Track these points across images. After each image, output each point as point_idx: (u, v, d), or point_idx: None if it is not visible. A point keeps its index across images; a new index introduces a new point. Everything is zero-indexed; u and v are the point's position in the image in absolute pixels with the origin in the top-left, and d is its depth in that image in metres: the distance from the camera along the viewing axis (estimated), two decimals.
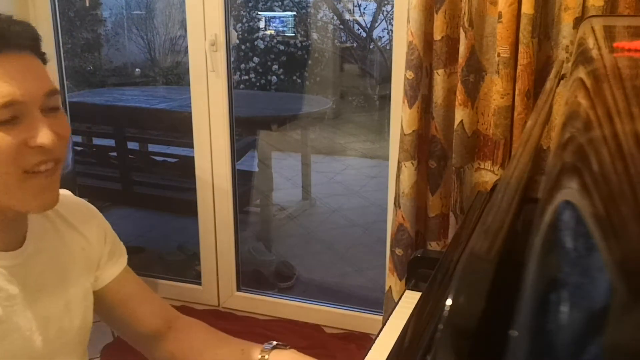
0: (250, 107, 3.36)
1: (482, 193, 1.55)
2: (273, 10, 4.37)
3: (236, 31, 4.12)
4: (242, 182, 2.91)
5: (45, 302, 0.87)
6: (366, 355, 1.00)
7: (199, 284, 2.46)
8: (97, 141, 3.72)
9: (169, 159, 3.53)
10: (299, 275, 2.74)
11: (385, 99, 3.69)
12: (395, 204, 1.82)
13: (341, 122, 4.44)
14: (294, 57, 4.34)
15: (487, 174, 1.72)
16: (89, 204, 1.01)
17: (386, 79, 2.22)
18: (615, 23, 1.22)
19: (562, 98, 1.39)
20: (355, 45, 4.63)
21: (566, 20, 1.55)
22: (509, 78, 1.61)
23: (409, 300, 1.14)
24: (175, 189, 3.25)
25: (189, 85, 2.25)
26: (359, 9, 4.50)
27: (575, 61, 0.83)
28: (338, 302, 2.36)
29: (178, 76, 4.12)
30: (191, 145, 2.32)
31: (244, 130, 3.20)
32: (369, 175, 4.12)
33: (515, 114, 1.63)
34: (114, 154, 3.57)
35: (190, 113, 2.27)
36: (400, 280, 1.85)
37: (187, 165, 2.46)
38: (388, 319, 1.12)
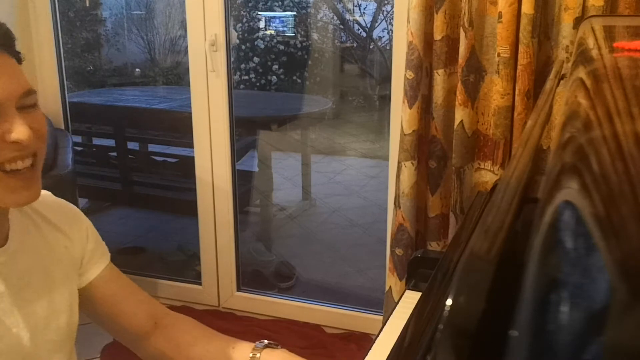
0: (250, 107, 3.36)
1: (482, 193, 1.55)
2: (273, 10, 4.37)
3: (236, 31, 4.12)
4: (242, 182, 2.91)
5: (30, 300, 0.87)
6: (366, 355, 1.00)
7: (199, 284, 2.46)
8: (97, 141, 3.72)
9: (169, 159, 3.53)
10: (299, 275, 2.74)
11: (385, 99, 3.69)
12: (395, 204, 1.82)
13: (341, 122, 4.44)
14: (294, 57, 4.34)
15: (487, 174, 1.72)
16: (70, 204, 1.01)
17: (386, 79, 2.22)
18: (615, 23, 1.22)
19: (562, 98, 1.38)
20: (355, 45, 4.63)
21: (566, 20, 1.55)
22: (509, 78, 1.61)
23: (409, 300, 1.14)
24: (175, 189, 3.26)
25: (189, 85, 2.25)
26: (359, 9, 4.51)
27: (575, 61, 0.83)
28: (338, 302, 2.36)
29: (178, 76, 4.12)
30: (191, 145, 2.32)
31: (244, 130, 3.20)
32: (369, 175, 4.12)
33: (515, 114, 1.63)
34: (114, 154, 3.58)
35: (190, 113, 2.27)
36: (400, 280, 1.85)
37: (187, 165, 2.46)
38: (388, 319, 1.12)
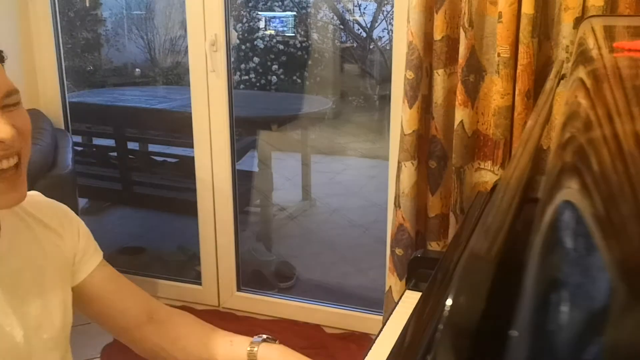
0: (250, 107, 3.36)
1: (482, 193, 1.55)
2: (273, 10, 4.36)
3: (236, 31, 4.12)
4: (242, 182, 2.91)
5: (23, 299, 0.88)
6: (366, 355, 1.00)
7: (199, 284, 2.46)
8: (97, 141, 3.72)
9: (169, 159, 3.53)
10: (299, 275, 2.74)
11: (385, 99, 3.68)
12: (395, 204, 1.82)
13: (341, 122, 4.44)
14: (294, 57, 4.34)
15: (487, 174, 1.72)
16: (60, 203, 1.02)
17: (386, 79, 2.22)
18: (615, 23, 1.22)
19: (562, 98, 1.39)
20: (355, 45, 4.63)
21: (566, 20, 1.55)
22: (509, 78, 1.61)
23: (409, 300, 1.14)
24: (175, 189, 3.25)
25: (189, 85, 2.25)
26: (359, 9, 4.50)
27: (575, 61, 0.83)
28: (338, 302, 2.36)
29: (178, 76, 4.12)
30: (191, 145, 2.32)
31: (244, 130, 3.20)
32: (369, 175, 4.12)
33: (515, 114, 1.63)
34: (114, 154, 3.57)
35: (190, 113, 2.27)
36: (400, 280, 1.85)
37: (187, 165, 2.46)
38: (388, 319, 1.12)
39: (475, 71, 1.67)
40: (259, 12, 4.38)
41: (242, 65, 4.18)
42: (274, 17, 4.34)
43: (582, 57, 0.83)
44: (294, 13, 4.41)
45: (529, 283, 0.33)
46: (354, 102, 4.45)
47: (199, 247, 2.42)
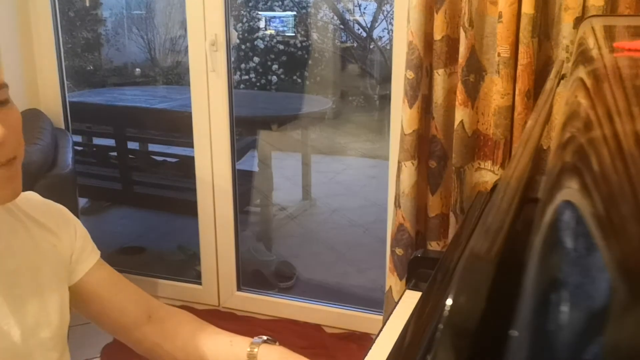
0: (250, 107, 3.36)
1: (482, 193, 1.55)
2: (273, 10, 4.37)
3: (236, 31, 4.12)
4: (242, 182, 2.91)
5: (21, 299, 0.87)
6: (366, 355, 1.00)
7: (199, 284, 2.47)
8: (97, 141, 3.72)
9: (169, 159, 3.53)
10: (299, 275, 2.74)
11: (385, 99, 3.68)
12: (395, 204, 1.82)
13: (341, 122, 4.44)
14: (294, 57, 4.34)
15: (487, 174, 1.72)
16: (56, 203, 1.01)
17: (386, 79, 2.22)
18: (615, 23, 1.21)
19: (562, 98, 1.39)
20: (355, 45, 4.63)
21: (566, 20, 1.55)
22: (509, 78, 1.61)
23: (409, 300, 1.14)
24: (175, 189, 3.26)
25: (189, 85, 2.25)
26: (359, 9, 4.50)
27: (575, 61, 0.83)
28: (338, 302, 2.36)
29: (178, 76, 4.12)
30: (191, 145, 2.32)
31: (244, 130, 3.20)
32: (369, 175, 4.12)
33: (515, 114, 1.63)
34: (114, 154, 3.57)
35: (190, 113, 2.27)
36: (400, 280, 1.85)
37: (187, 165, 2.46)
38: (388, 319, 1.12)
39: (476, 71, 1.67)
40: (259, 12, 4.38)
41: (242, 65, 4.18)
42: (274, 17, 4.35)
43: (582, 57, 0.83)
44: (294, 13, 4.41)
45: (529, 283, 0.33)
46: (354, 102, 4.45)
47: (199, 247, 2.42)
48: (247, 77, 4.27)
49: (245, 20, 4.29)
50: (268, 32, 4.32)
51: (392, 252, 1.86)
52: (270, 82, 4.30)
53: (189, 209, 2.44)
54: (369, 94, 4.46)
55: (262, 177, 3.30)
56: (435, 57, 1.68)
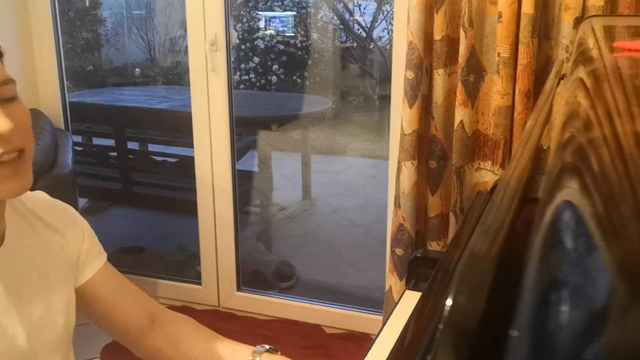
0: (250, 107, 3.36)
1: (482, 193, 1.55)
2: (273, 10, 4.37)
3: (236, 31, 4.12)
4: (242, 182, 2.91)
5: (27, 300, 0.87)
6: (366, 355, 1.00)
7: (199, 284, 2.46)
8: (97, 141, 3.72)
9: (169, 159, 3.53)
10: (299, 275, 2.74)
11: (385, 99, 3.68)
12: (395, 204, 1.82)
13: (341, 122, 4.44)
14: (294, 57, 4.34)
15: (487, 174, 1.72)
16: (65, 203, 1.01)
17: (386, 79, 2.22)
18: (615, 23, 1.22)
19: (562, 98, 1.38)
20: (355, 45, 4.63)
21: (566, 20, 1.55)
22: (509, 78, 1.61)
23: (409, 300, 1.14)
24: (175, 189, 3.26)
25: (189, 85, 2.25)
26: (359, 9, 4.50)
27: (575, 61, 0.83)
28: (338, 302, 2.36)
29: (178, 76, 4.12)
30: (191, 145, 2.32)
31: (244, 130, 3.20)
32: (369, 175, 4.12)
33: (515, 114, 1.63)
34: (114, 154, 3.58)
35: (190, 113, 2.27)
36: (400, 280, 1.85)
37: (187, 165, 2.46)
38: (388, 319, 1.12)
39: (475, 71, 1.67)
40: (259, 12, 4.38)
41: (242, 65, 4.18)
42: (274, 17, 4.35)
43: (582, 57, 0.83)
44: (294, 13, 4.41)
45: (529, 283, 0.33)
46: (354, 102, 4.45)
47: (199, 247, 2.42)
48: (247, 77, 4.27)
49: (245, 20, 4.29)
50: (268, 32, 4.32)
51: (392, 252, 1.86)
52: (270, 82, 4.31)
53: (189, 209, 2.44)
54: (368, 94, 4.46)
55: (262, 177, 3.30)
56: (435, 57, 1.68)
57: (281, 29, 4.32)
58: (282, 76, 4.30)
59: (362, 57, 4.62)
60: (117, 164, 3.53)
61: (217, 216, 2.35)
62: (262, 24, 4.37)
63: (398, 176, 1.79)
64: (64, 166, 2.08)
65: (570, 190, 0.39)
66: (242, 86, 4.19)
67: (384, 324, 1.11)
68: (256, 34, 4.30)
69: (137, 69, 4.32)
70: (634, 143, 0.44)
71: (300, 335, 2.24)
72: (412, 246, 1.82)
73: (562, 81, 1.16)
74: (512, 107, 1.64)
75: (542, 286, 0.32)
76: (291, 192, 3.69)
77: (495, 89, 1.64)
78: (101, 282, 1.01)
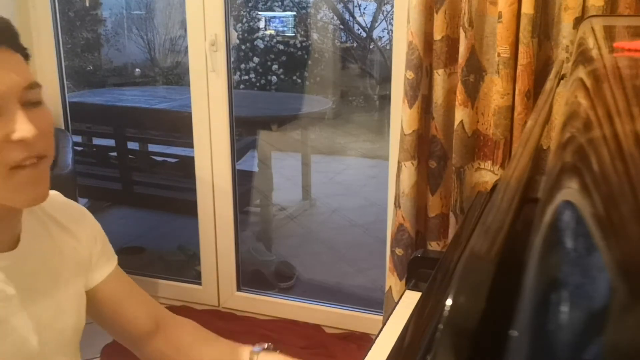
0: (250, 107, 3.36)
1: (482, 193, 1.55)
2: (273, 10, 4.37)
3: (236, 31, 4.12)
4: (242, 182, 2.91)
5: (39, 302, 0.87)
6: (366, 355, 1.00)
7: (199, 284, 2.46)
8: (97, 141, 3.72)
9: (169, 159, 3.53)
10: (299, 275, 2.74)
11: (385, 99, 3.69)
12: (395, 204, 1.82)
13: (341, 122, 4.45)
14: (294, 57, 4.34)
15: (487, 174, 1.72)
16: (79, 205, 1.01)
17: (386, 79, 2.22)
18: (615, 23, 1.22)
19: (562, 98, 1.38)
20: (355, 45, 4.63)
21: (566, 20, 1.55)
22: (509, 78, 1.61)
23: (409, 300, 1.14)
24: (175, 189, 3.26)
25: (189, 85, 2.25)
26: (359, 9, 4.51)
27: (575, 61, 0.83)
28: (338, 302, 2.36)
29: (178, 76, 4.12)
30: (191, 145, 2.32)
31: (244, 130, 3.20)
32: (369, 175, 4.12)
33: (515, 114, 1.63)
34: (114, 154, 3.58)
35: (190, 113, 2.27)
36: (400, 280, 1.85)
37: (187, 165, 2.46)
38: (388, 319, 1.12)
39: (475, 71, 1.67)
40: (259, 12, 4.38)
41: (242, 65, 4.18)
42: (274, 17, 4.35)
43: (582, 57, 0.83)
44: (294, 13, 4.42)
45: (529, 283, 0.33)
46: (354, 102, 4.46)
47: (199, 247, 2.42)
48: (247, 77, 4.27)
49: (245, 20, 4.29)
50: (268, 32, 4.32)
51: (392, 252, 1.86)
52: (270, 82, 4.31)
53: (189, 209, 2.44)
54: (368, 94, 4.46)
55: (262, 177, 3.30)
56: (435, 57, 1.68)
57: (281, 29, 4.32)
58: (282, 76, 4.31)
59: (362, 57, 4.62)
60: (117, 164, 3.53)
61: (217, 216, 2.35)
62: (262, 24, 4.37)
63: (398, 176, 1.80)
64: (64, 166, 2.08)
65: (570, 190, 0.39)
66: (242, 86, 4.20)
67: (384, 324, 1.11)
68: (256, 34, 4.30)
69: (137, 69, 4.32)
70: (634, 143, 0.44)
71: (300, 335, 2.24)
72: (412, 246, 1.82)
73: (562, 81, 1.16)
74: (512, 107, 1.64)
75: (542, 286, 0.32)
76: (291, 192, 3.69)
77: (495, 89, 1.64)
78: (111, 287, 1.00)
